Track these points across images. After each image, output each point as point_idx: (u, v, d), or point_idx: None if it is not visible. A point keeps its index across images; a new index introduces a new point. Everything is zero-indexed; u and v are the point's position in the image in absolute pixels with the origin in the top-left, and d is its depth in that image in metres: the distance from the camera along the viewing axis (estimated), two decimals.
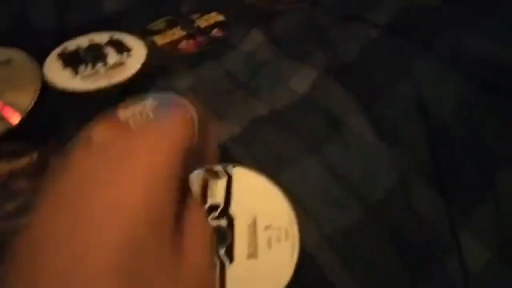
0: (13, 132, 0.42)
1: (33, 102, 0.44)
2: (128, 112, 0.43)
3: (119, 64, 0.49)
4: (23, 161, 0.38)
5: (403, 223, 0.31)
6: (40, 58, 0.49)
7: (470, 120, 0.37)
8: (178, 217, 0.16)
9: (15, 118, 0.43)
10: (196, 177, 0.33)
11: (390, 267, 0.29)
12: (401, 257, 0.29)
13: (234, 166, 0.34)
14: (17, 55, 0.49)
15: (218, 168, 0.34)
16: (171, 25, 0.56)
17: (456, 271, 0.28)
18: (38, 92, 0.45)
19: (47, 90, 0.46)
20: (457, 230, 0.30)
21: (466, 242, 0.29)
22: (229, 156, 0.36)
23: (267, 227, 0.29)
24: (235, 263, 0.27)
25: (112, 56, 0.50)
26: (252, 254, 0.28)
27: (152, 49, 0.51)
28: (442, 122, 0.37)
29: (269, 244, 0.29)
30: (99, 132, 0.20)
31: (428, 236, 0.30)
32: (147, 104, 0.43)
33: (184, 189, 0.17)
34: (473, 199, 0.32)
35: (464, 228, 0.30)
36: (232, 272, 0.27)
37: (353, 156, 0.34)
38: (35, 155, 0.39)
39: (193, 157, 0.19)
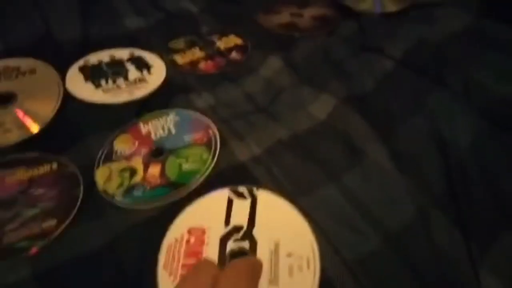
0: (33, 141, 0.42)
1: (54, 112, 0.45)
2: (149, 126, 0.43)
3: (140, 80, 0.50)
4: (43, 169, 0.38)
5: (422, 254, 0.31)
6: (62, 70, 0.50)
7: (484, 157, 0.38)
8: None
9: (35, 127, 0.44)
10: (221, 196, 0.34)
11: None
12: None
13: (258, 189, 0.34)
14: (40, 66, 0.50)
15: (243, 189, 0.34)
16: (190, 45, 0.57)
17: None
18: (59, 102, 0.46)
19: (68, 101, 0.46)
20: (477, 266, 0.30)
21: (485, 279, 0.29)
22: (249, 176, 0.36)
23: (289, 255, 0.29)
24: None
25: (133, 72, 0.51)
26: (273, 281, 0.28)
27: (172, 67, 0.53)
28: (459, 157, 0.38)
29: (290, 272, 0.29)
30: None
31: (447, 270, 0.30)
32: (169, 119, 0.44)
33: None
34: (491, 236, 0.32)
35: (483, 264, 0.30)
36: None
37: (372, 185, 0.35)
38: (55, 164, 0.39)
39: None
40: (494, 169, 0.37)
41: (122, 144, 0.41)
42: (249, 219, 0.32)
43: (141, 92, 0.48)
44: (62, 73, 0.50)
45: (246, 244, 0.30)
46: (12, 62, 0.50)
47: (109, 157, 0.40)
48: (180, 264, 0.30)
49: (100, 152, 0.40)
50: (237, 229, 0.31)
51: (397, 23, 0.58)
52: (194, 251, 0.31)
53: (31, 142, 0.42)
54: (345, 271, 0.30)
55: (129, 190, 0.36)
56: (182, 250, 0.31)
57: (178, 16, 0.62)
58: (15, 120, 0.44)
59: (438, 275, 0.30)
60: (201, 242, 0.31)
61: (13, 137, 0.42)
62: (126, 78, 0.51)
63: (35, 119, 0.44)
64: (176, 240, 0.31)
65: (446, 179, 0.36)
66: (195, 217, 0.33)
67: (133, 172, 0.38)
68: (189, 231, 0.32)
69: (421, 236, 0.32)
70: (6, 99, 0.46)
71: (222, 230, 0.32)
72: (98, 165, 0.39)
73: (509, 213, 0.33)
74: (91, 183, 0.37)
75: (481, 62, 0.49)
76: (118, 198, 0.36)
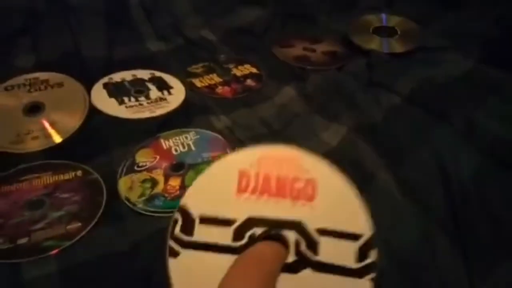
0: (60, 149, 0.44)
1: (79, 124, 0.48)
2: (170, 142, 0.46)
3: (161, 99, 0.53)
4: (68, 176, 0.41)
5: (426, 276, 0.33)
6: (87, 85, 0.53)
7: (485, 190, 0.41)
8: None
9: (58, 138, 0.46)
10: None
11: None
12: None
13: None
14: (68, 80, 0.53)
15: None
16: (208, 70, 0.61)
17: None
18: (85, 115, 0.49)
19: (93, 114, 0.49)
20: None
21: None
22: None
23: None
24: None
25: (154, 92, 0.55)
26: None
27: (191, 89, 0.56)
28: (461, 188, 0.40)
29: None
30: None
31: None
32: (189, 137, 0.47)
33: None
34: (490, 262, 0.34)
35: (483, 287, 0.32)
36: None
37: (380, 209, 0.37)
38: (79, 172, 0.41)
39: None
40: (493, 201, 0.39)
41: (144, 157, 0.43)
42: None
43: (161, 110, 0.51)
44: (87, 88, 0.53)
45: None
46: (41, 75, 0.53)
47: (131, 168, 0.42)
48: None
49: (122, 164, 0.42)
50: None
51: (403, 63, 0.62)
52: None
53: (58, 149, 0.44)
54: None
55: (150, 199, 0.38)
56: None
57: (197, 43, 0.66)
58: (41, 129, 0.47)
59: None
60: None
61: (40, 144, 0.45)
62: (147, 96, 0.53)
63: (59, 129, 0.47)
64: None
65: (449, 207, 0.38)
66: None
67: (154, 183, 0.40)
68: None
69: (426, 258, 0.34)
70: (35, 109, 0.49)
71: None
72: (121, 175, 0.41)
73: (507, 243, 0.36)
74: (114, 191, 0.39)
75: (482, 105, 0.53)
76: (140, 206, 0.37)
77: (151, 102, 0.52)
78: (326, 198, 0.25)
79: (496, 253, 0.35)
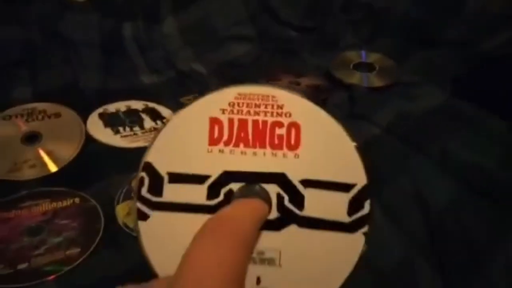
0: (57, 177, 0.46)
1: (75, 153, 0.49)
2: None
3: (155, 129, 0.55)
4: (66, 202, 0.42)
5: None
6: (83, 115, 0.55)
7: (460, 215, 0.44)
8: None
9: (53, 167, 0.47)
10: None
11: None
12: None
13: None
14: (65, 111, 0.55)
15: None
16: None
17: None
18: (81, 144, 0.50)
19: (89, 143, 0.51)
20: None
21: None
22: None
23: None
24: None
25: (148, 122, 0.57)
26: None
27: None
28: (437, 213, 0.43)
29: None
30: None
31: None
32: None
33: None
34: (466, 281, 0.37)
35: None
36: None
37: None
38: (77, 199, 0.43)
39: None
40: (467, 224, 0.42)
41: None
42: None
43: None
44: (83, 118, 0.55)
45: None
46: (39, 105, 0.55)
47: (128, 195, 0.43)
48: None
49: (119, 191, 0.44)
50: None
51: (382, 96, 0.66)
52: None
53: (55, 177, 0.45)
54: None
55: None
56: None
57: (188, 75, 0.69)
58: (38, 157, 0.48)
59: None
60: None
61: (36, 172, 0.46)
62: (141, 126, 0.56)
63: (56, 158, 0.48)
64: None
65: (427, 231, 0.41)
66: None
67: None
68: None
69: (407, 280, 0.37)
70: (32, 138, 0.50)
71: None
72: (118, 202, 0.42)
73: (480, 263, 0.39)
74: (111, 217, 0.41)
75: (456, 136, 0.57)
76: None
77: (145, 131, 0.55)
78: (312, 145, 0.22)
79: (470, 272, 0.38)
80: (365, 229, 0.22)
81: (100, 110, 0.58)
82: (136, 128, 0.55)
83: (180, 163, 0.22)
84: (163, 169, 0.22)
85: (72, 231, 0.39)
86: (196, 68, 0.71)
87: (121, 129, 0.55)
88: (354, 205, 0.22)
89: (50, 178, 0.45)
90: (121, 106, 0.60)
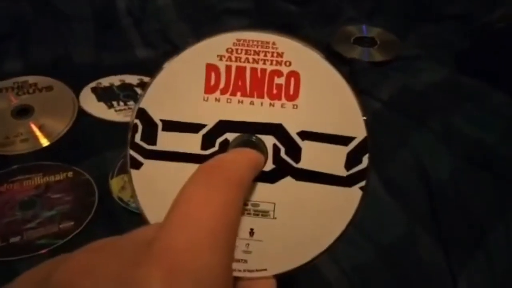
0: (48, 152, 0.44)
1: (68, 127, 0.48)
2: None
3: None
4: (59, 177, 0.41)
5: (409, 267, 0.35)
6: (75, 90, 0.53)
7: (460, 188, 0.43)
8: None
9: (45, 141, 0.46)
10: None
11: None
12: None
13: None
14: (56, 84, 0.53)
15: None
16: None
17: None
18: (74, 118, 0.49)
19: (82, 117, 0.49)
20: (456, 278, 0.34)
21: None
22: None
23: None
24: None
25: None
26: None
27: None
28: (439, 187, 0.42)
29: None
30: None
31: (430, 282, 0.34)
32: None
33: None
34: (467, 253, 0.36)
35: (461, 276, 0.34)
36: None
37: (367, 208, 0.39)
38: (70, 173, 0.41)
39: None
40: (468, 198, 0.41)
41: None
42: None
43: None
44: (76, 93, 0.53)
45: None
46: (30, 78, 0.53)
47: (123, 169, 0.42)
48: None
49: (113, 165, 0.43)
50: None
51: (383, 71, 0.64)
52: None
53: (48, 152, 0.44)
54: (343, 278, 0.33)
55: None
56: None
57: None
58: (30, 132, 0.47)
59: (422, 285, 0.33)
60: None
61: (28, 147, 0.45)
62: (136, 101, 0.54)
63: (47, 133, 0.47)
64: None
65: (428, 204, 0.40)
66: None
67: None
68: None
69: (409, 251, 0.36)
70: (24, 112, 0.49)
71: None
72: (113, 176, 0.41)
73: (481, 235, 0.38)
74: (105, 192, 0.40)
75: (457, 110, 0.56)
76: (133, 205, 0.38)
77: None
78: (312, 95, 0.21)
79: (471, 244, 0.37)
80: (362, 183, 0.21)
81: (93, 84, 0.56)
82: (131, 103, 0.54)
83: (175, 110, 0.21)
84: (157, 116, 0.21)
85: (65, 205, 0.38)
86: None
87: (115, 103, 0.53)
88: (352, 159, 0.21)
89: (42, 153, 0.44)
90: (115, 80, 0.58)
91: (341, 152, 0.21)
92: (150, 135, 0.21)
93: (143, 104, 0.22)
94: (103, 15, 0.67)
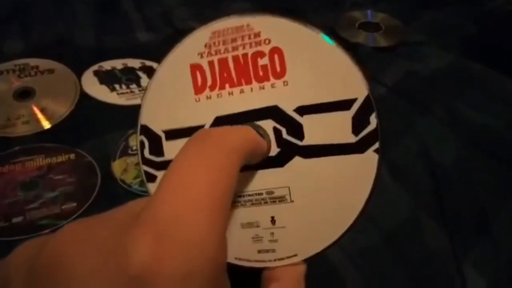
0: (50, 134, 0.44)
1: (71, 109, 0.47)
2: None
3: None
4: (61, 158, 0.41)
5: (413, 252, 0.35)
6: (77, 73, 0.53)
7: (465, 173, 0.43)
8: None
9: (46, 123, 0.46)
10: None
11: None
12: (411, 280, 0.33)
13: None
14: (59, 67, 0.53)
15: None
16: None
17: None
18: (76, 101, 0.49)
19: (84, 100, 0.49)
20: (460, 263, 0.34)
21: (468, 274, 0.33)
22: None
23: None
24: None
25: (145, 80, 0.55)
26: None
27: None
28: (444, 172, 0.42)
29: None
30: None
31: (435, 266, 0.34)
32: None
33: None
34: (472, 238, 0.36)
35: (466, 261, 0.34)
36: None
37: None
38: (72, 155, 0.41)
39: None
40: (473, 183, 0.41)
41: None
42: None
43: None
44: (77, 76, 0.53)
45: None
46: (31, 61, 0.52)
47: (125, 152, 0.42)
48: None
49: (116, 147, 0.42)
50: None
51: (387, 56, 0.64)
52: None
53: (50, 134, 0.44)
54: (348, 262, 0.33)
55: None
56: None
57: (186, 33, 0.67)
58: (31, 114, 0.46)
59: (427, 270, 0.33)
60: None
61: (30, 129, 0.44)
62: (138, 84, 0.54)
63: (49, 115, 0.47)
64: None
65: (433, 189, 0.40)
66: None
67: None
68: None
69: (413, 236, 0.36)
70: (25, 94, 0.48)
71: None
72: (115, 158, 0.41)
73: (485, 220, 0.38)
74: (108, 173, 0.39)
75: (463, 96, 0.55)
76: (136, 187, 0.38)
77: (142, 89, 0.53)
78: (300, 67, 0.20)
79: (476, 229, 0.37)
80: (376, 146, 0.20)
81: (95, 67, 0.55)
82: (133, 86, 0.53)
83: (172, 119, 0.22)
84: (158, 129, 0.22)
85: (68, 186, 0.37)
86: (194, 25, 0.68)
87: (117, 86, 0.53)
88: (358, 122, 0.19)
89: (44, 135, 0.44)
90: (117, 63, 0.57)
91: (345, 117, 0.20)
92: (157, 147, 0.22)
93: (143, 120, 0.22)
94: None
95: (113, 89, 0.52)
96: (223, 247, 0.14)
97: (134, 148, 0.43)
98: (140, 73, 0.56)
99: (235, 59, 0.21)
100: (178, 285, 0.12)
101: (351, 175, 0.20)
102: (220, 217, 0.14)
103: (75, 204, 0.36)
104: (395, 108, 0.52)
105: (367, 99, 0.20)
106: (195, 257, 0.13)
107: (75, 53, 0.56)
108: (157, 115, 0.22)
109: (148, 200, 0.14)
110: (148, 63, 0.58)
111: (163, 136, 0.22)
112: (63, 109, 0.47)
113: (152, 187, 0.22)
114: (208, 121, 0.21)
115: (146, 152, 0.22)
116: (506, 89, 0.55)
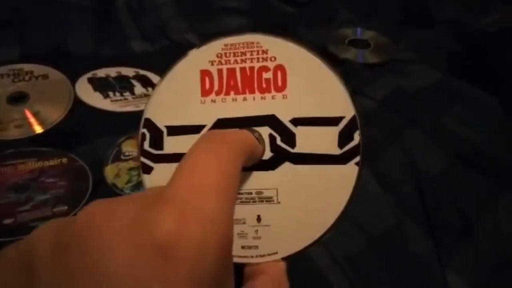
0: (43, 138, 0.44)
1: (63, 115, 0.48)
2: None
3: (145, 95, 0.54)
4: (53, 162, 0.41)
5: (399, 258, 0.35)
6: (71, 79, 0.53)
7: (450, 184, 0.44)
8: None
9: (39, 128, 0.46)
10: None
11: None
12: (396, 285, 0.33)
13: None
14: (53, 73, 0.53)
15: None
16: None
17: None
18: (69, 107, 0.49)
19: (78, 106, 0.49)
20: (445, 270, 0.35)
21: (452, 280, 0.34)
22: None
23: None
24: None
25: (139, 88, 0.56)
26: None
27: None
28: (429, 182, 0.43)
29: None
30: None
31: (420, 272, 0.35)
32: None
33: None
34: (455, 244, 0.37)
35: (449, 266, 0.35)
36: None
37: (359, 200, 0.40)
38: (64, 159, 0.41)
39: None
40: (457, 192, 0.42)
41: (130, 147, 0.44)
42: None
43: None
44: (71, 82, 0.53)
45: None
46: (26, 66, 0.53)
47: (117, 157, 0.42)
48: None
49: (108, 153, 0.43)
50: None
51: (376, 73, 0.65)
52: None
53: (42, 138, 0.44)
54: (334, 265, 0.33)
55: (138, 185, 0.39)
56: None
57: (181, 45, 0.68)
58: (24, 118, 0.47)
59: (412, 275, 0.34)
60: None
61: (22, 133, 0.45)
62: (132, 92, 0.54)
63: (42, 120, 0.47)
64: None
65: (419, 198, 0.41)
66: None
67: None
68: None
69: (399, 242, 0.37)
70: (19, 98, 0.49)
71: None
72: (107, 164, 0.41)
73: (469, 227, 0.39)
74: (100, 178, 0.40)
75: (448, 111, 0.57)
76: (127, 192, 0.38)
77: (136, 97, 0.53)
78: (298, 84, 0.23)
79: (460, 236, 0.38)
80: (357, 159, 0.22)
81: (89, 74, 0.56)
82: (127, 94, 0.54)
83: (176, 116, 0.23)
84: (161, 124, 0.23)
85: (59, 189, 0.38)
86: (190, 39, 0.70)
87: (111, 93, 0.53)
88: (344, 137, 0.22)
89: (37, 139, 0.44)
90: (111, 71, 0.58)
91: (333, 132, 0.22)
92: (157, 141, 0.23)
93: (147, 114, 0.23)
94: (102, 7, 0.67)
95: (106, 96, 0.53)
96: (231, 227, 0.16)
97: (127, 153, 0.43)
98: (134, 81, 0.57)
99: (243, 70, 0.23)
100: (197, 252, 0.14)
101: (334, 183, 0.22)
102: (230, 199, 0.16)
103: (66, 207, 0.36)
104: (384, 121, 0.54)
105: (353, 118, 0.22)
106: (210, 230, 0.14)
107: (70, 60, 0.57)
108: (162, 111, 0.23)
109: (170, 180, 0.16)
110: (142, 72, 0.59)
111: (165, 131, 0.23)
112: (56, 114, 0.48)
113: (147, 178, 0.23)
114: (210, 122, 0.23)
115: (146, 144, 0.23)
116: (488, 104, 0.57)
